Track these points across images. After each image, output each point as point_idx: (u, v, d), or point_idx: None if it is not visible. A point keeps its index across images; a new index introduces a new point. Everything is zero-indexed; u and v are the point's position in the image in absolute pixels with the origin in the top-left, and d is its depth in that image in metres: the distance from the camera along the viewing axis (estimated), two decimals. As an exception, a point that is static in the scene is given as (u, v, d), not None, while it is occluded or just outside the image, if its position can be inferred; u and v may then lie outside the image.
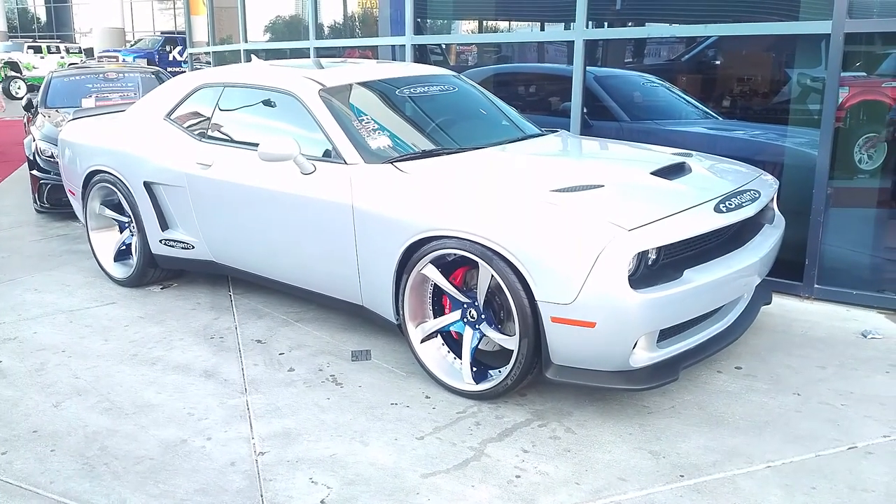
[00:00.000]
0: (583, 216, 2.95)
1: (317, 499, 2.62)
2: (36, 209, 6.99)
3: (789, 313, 4.18)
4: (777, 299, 4.28)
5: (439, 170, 3.51)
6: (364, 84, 4.13)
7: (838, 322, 4.06)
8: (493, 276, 3.06)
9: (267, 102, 4.11)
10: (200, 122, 4.35)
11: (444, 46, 6.93)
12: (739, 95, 5.51)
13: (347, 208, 3.51)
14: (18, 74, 23.79)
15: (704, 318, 3.25)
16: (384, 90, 4.17)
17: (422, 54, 6.51)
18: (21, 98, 10.29)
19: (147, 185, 4.47)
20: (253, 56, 5.36)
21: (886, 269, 4.47)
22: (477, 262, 3.11)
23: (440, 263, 3.29)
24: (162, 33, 31.62)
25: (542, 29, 6.53)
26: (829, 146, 4.12)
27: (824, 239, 4.31)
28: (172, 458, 2.89)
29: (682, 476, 2.69)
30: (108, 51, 27.56)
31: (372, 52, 7.15)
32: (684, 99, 5.72)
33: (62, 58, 27.30)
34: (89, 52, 30.41)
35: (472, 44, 6.98)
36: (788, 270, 4.33)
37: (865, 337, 3.85)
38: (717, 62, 5.60)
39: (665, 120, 5.53)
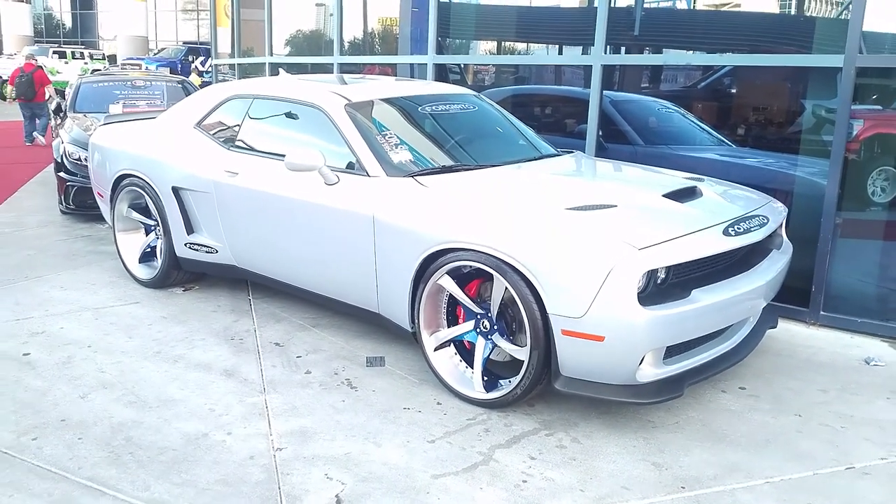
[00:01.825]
0: (596, 234, 3.08)
1: (332, 493, 2.74)
2: (61, 210, 7.19)
3: (795, 338, 4.28)
4: (784, 324, 4.38)
5: (458, 185, 3.65)
6: (388, 100, 4.29)
7: (842, 348, 4.15)
8: (507, 288, 3.18)
9: (294, 115, 4.28)
10: (229, 131, 4.52)
11: (461, 66, 7.10)
12: (754, 124, 5.64)
13: (368, 219, 3.65)
14: (43, 78, 24.19)
15: (711, 338, 3.36)
16: (407, 107, 4.33)
17: (441, 74, 6.68)
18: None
19: (175, 190, 4.63)
20: (280, 70, 5.53)
21: (892, 299, 4.56)
22: (492, 275, 3.24)
23: (456, 275, 3.41)
24: (185, 43, 32.09)
25: (560, 52, 6.69)
26: (839, 177, 4.23)
27: (832, 267, 4.41)
28: (194, 450, 3.02)
29: (682, 487, 2.79)
30: (130, 58, 28.00)
31: (391, 70, 7.32)
32: (699, 125, 5.85)
33: (86, 63, 27.81)
34: (112, 59, 30.94)
35: (493, 64, 7.15)
36: (796, 297, 4.43)
37: (868, 364, 3.94)
38: (733, 90, 5.73)
39: (678, 145, 5.66)
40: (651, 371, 3.09)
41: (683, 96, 5.90)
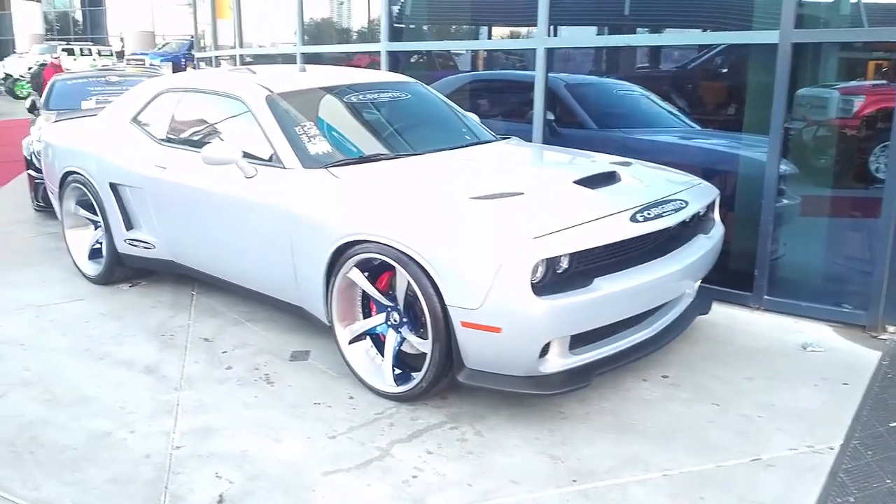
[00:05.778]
0: (491, 223, 3.01)
1: (217, 492, 2.71)
2: (34, 208, 7.22)
3: (736, 324, 4.17)
4: (726, 309, 4.29)
5: (369, 175, 3.59)
6: (315, 90, 4.23)
7: (782, 334, 4.03)
8: (409, 281, 3.13)
9: (219, 107, 4.23)
10: (160, 125, 4.49)
11: (451, 53, 6.93)
12: (717, 105, 5.50)
13: (284, 212, 3.60)
14: (50, 76, 24.42)
15: (626, 326, 3.28)
16: (336, 96, 4.26)
17: (431, 62, 6.59)
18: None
19: (112, 186, 4.62)
20: (222, 62, 5.50)
21: (837, 282, 4.43)
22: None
23: (367, 267, 3.36)
24: (190, 37, 32.16)
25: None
26: (778, 154, 4.10)
27: (775, 249, 4.28)
28: (94, 449, 3.00)
29: (574, 481, 2.73)
30: (135, 53, 28.16)
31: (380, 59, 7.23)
32: (660, 107, 5.71)
33: (94, 60, 27.99)
34: (120, 55, 31.11)
35: (445, 50, 7.02)
36: (739, 281, 4.32)
37: (805, 349, 3.83)
38: (701, 71, 5.56)
39: (634, 128, 5.53)
40: (557, 361, 3.03)
41: (648, 78, 5.76)
